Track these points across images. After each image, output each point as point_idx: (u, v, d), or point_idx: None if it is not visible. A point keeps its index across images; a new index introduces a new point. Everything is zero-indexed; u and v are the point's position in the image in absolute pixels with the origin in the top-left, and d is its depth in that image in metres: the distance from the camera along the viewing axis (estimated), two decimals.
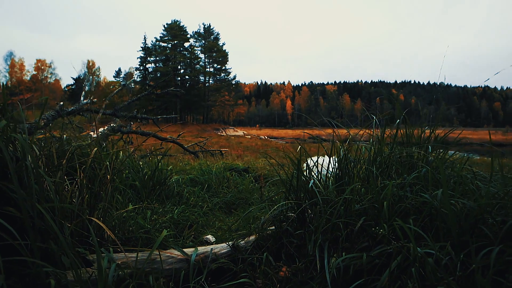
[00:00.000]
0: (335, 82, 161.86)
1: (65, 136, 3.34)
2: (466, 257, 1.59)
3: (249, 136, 46.47)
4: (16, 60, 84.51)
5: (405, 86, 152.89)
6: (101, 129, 7.35)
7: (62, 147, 2.38)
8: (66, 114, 7.27)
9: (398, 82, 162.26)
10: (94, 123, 6.82)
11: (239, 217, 3.33)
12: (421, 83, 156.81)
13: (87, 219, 1.87)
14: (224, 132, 52.92)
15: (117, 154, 2.83)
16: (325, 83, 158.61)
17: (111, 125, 7.66)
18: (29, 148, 1.59)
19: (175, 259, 1.99)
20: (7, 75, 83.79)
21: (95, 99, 8.97)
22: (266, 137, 50.73)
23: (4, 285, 1.13)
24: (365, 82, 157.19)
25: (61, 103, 7.21)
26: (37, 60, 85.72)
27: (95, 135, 6.02)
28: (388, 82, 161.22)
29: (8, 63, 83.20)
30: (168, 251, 2.03)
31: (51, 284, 1.28)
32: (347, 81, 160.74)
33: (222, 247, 2.20)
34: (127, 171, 3.59)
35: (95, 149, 2.17)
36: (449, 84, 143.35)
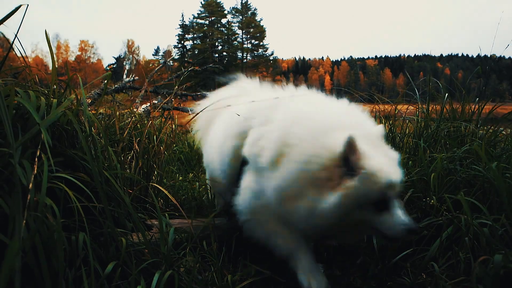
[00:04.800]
0: (376, 56, 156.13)
1: (118, 113, 3.53)
2: None
3: None
4: (62, 41, 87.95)
5: (452, 59, 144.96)
6: (143, 106, 7.60)
7: (121, 122, 2.53)
8: (111, 92, 7.58)
9: (444, 56, 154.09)
10: (137, 100, 7.05)
11: None
12: (470, 55, 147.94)
13: (147, 185, 2.00)
14: None
15: (168, 128, 2.96)
16: (366, 57, 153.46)
17: (153, 102, 7.90)
18: (95, 121, 1.72)
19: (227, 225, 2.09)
20: (55, 56, 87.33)
21: (137, 77, 9.25)
22: None
23: (87, 241, 1.27)
24: (408, 56, 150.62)
25: (105, 81, 7.53)
26: (80, 41, 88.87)
27: (139, 112, 6.21)
28: (433, 55, 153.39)
29: (55, 44, 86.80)
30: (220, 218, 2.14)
31: (122, 242, 1.41)
32: (389, 56, 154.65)
33: None
34: (174, 144, 3.74)
35: (150, 121, 2.29)
36: (501, 56, 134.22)
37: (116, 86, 7.91)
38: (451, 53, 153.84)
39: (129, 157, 2.28)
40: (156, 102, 8.15)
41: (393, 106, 2.99)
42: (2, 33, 1.59)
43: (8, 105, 1.33)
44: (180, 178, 2.84)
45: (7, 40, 1.68)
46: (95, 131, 1.81)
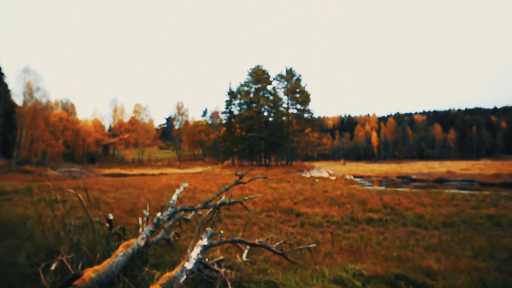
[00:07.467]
0: (423, 111, 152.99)
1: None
2: None
3: (334, 178, 45.20)
4: (118, 105, 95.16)
5: (508, 112, 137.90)
6: (194, 253, 7.34)
7: None
8: (162, 223, 7.54)
9: (498, 108, 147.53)
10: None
11: None
12: None
13: None
14: (308, 173, 52.11)
15: None
16: (413, 112, 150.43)
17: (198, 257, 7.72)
18: None
19: None
20: (111, 118, 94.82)
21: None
22: (351, 177, 48.81)
23: None
24: (459, 109, 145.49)
25: (159, 214, 7.51)
26: (135, 104, 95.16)
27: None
28: (486, 108, 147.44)
29: (112, 107, 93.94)
30: None
31: None
32: (437, 110, 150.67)
33: None
34: None
35: None
36: None
37: (167, 214, 7.81)
38: (507, 105, 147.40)
39: None
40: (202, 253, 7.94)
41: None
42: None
43: None
44: None
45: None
46: None
